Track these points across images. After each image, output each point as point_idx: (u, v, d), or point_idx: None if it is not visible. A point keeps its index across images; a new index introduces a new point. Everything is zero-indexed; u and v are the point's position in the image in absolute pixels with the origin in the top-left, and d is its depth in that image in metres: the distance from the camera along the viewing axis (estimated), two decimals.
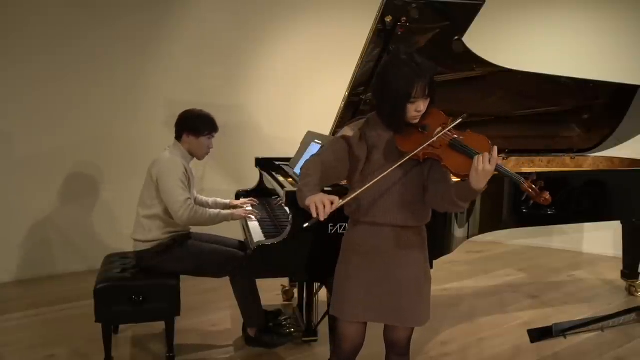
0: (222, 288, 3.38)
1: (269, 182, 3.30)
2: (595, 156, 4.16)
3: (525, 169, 4.05)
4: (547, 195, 1.68)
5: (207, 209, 2.83)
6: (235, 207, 3.15)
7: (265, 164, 3.52)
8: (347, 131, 1.91)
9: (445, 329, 3.34)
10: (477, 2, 2.61)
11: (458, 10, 2.69)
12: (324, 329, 2.77)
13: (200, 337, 3.19)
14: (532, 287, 4.17)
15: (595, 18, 5.01)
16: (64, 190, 4.29)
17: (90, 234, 4.38)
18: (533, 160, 4.13)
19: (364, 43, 2.68)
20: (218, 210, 2.92)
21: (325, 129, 3.25)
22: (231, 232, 3.25)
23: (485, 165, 1.63)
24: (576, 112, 3.87)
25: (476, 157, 1.66)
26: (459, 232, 2.83)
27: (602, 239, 4.99)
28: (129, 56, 4.38)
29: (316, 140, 3.04)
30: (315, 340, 3.02)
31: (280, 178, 3.13)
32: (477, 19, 2.73)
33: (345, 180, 1.94)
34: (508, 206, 3.23)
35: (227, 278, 2.88)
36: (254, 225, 2.86)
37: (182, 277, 2.84)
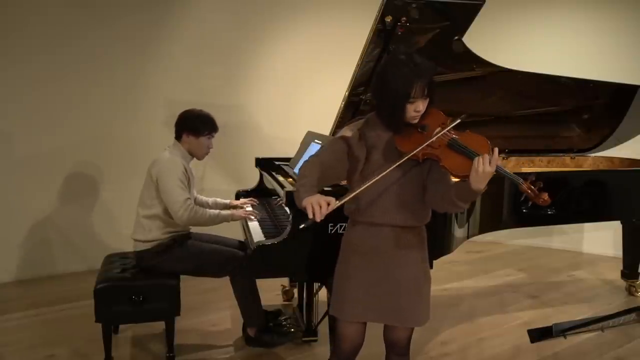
0: (222, 288, 3.38)
1: (269, 182, 3.30)
2: (595, 156, 4.16)
3: (525, 169, 4.05)
4: (545, 196, 1.68)
5: (207, 210, 2.83)
6: (235, 207, 3.15)
7: (265, 164, 3.52)
8: (346, 131, 1.91)
9: (445, 329, 3.34)
10: (477, 2, 2.61)
11: (458, 10, 2.69)
12: (324, 329, 2.77)
13: (200, 337, 3.19)
14: (532, 287, 4.17)
15: (595, 18, 5.01)
16: (64, 190, 4.29)
17: (90, 234, 4.38)
18: (533, 160, 4.13)
19: (364, 43, 2.68)
20: (218, 210, 2.92)
21: (325, 129, 3.25)
22: (231, 232, 3.25)
23: (485, 167, 1.63)
24: (576, 112, 3.87)
25: (476, 158, 1.66)
26: (459, 232, 2.83)
27: (602, 239, 4.99)
28: (129, 56, 4.38)
29: (316, 140, 3.03)
30: (315, 340, 3.02)
31: (280, 178, 3.13)
32: (477, 19, 2.73)
33: (345, 181, 1.94)
34: (508, 206, 3.23)
35: (227, 278, 2.88)
36: (254, 225, 2.86)
37: (182, 277, 2.85)
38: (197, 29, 4.65)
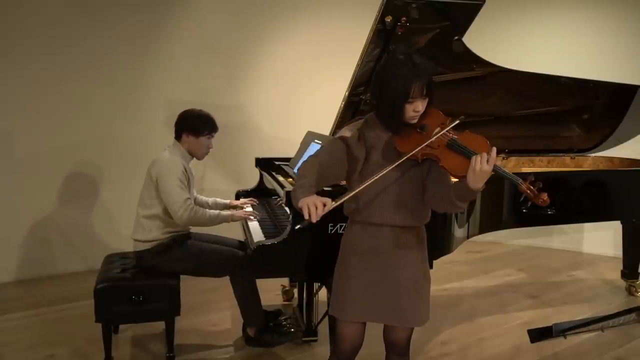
0: (222, 288, 3.38)
1: (269, 182, 3.30)
2: (595, 156, 4.16)
3: (525, 169, 4.05)
4: (545, 196, 1.68)
5: (207, 210, 2.83)
6: (235, 207, 3.15)
7: (265, 164, 3.52)
8: (346, 132, 1.91)
9: (445, 329, 3.34)
10: (477, 2, 2.61)
11: (458, 10, 2.69)
12: (324, 329, 2.77)
13: (200, 337, 3.19)
14: (532, 287, 4.17)
15: (595, 18, 5.01)
16: (63, 190, 4.29)
17: (90, 234, 4.38)
18: (533, 160, 4.13)
19: (364, 43, 2.68)
20: (218, 211, 2.92)
21: (325, 129, 3.25)
22: (231, 232, 3.25)
23: (482, 166, 1.63)
24: (576, 112, 3.87)
25: (474, 157, 1.66)
26: (459, 232, 2.83)
27: (602, 239, 4.99)
28: (129, 56, 4.38)
29: (316, 140, 3.03)
30: (315, 340, 3.02)
31: (280, 178, 3.13)
32: (477, 19, 2.73)
33: (345, 181, 1.94)
34: (508, 206, 3.23)
35: (227, 278, 2.88)
36: (254, 225, 2.86)
37: (182, 277, 2.85)
38: (197, 29, 4.65)
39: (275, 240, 2.40)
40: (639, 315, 1.85)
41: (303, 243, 2.39)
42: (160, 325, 2.90)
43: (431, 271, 2.05)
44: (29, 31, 4.03)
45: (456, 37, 2.89)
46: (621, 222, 3.86)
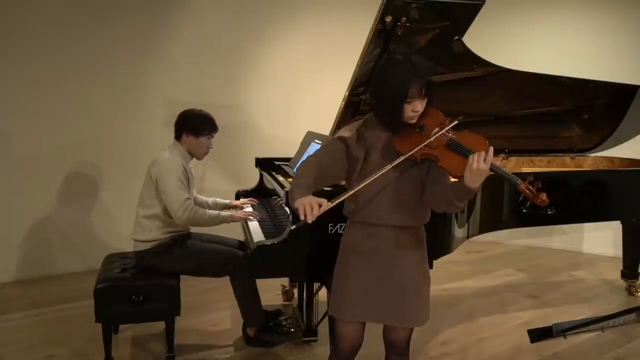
0: (222, 288, 3.38)
1: (269, 182, 3.30)
2: (595, 156, 4.16)
3: (525, 169, 4.05)
4: (544, 196, 1.68)
5: (207, 210, 2.83)
6: (235, 207, 3.15)
7: (265, 164, 3.52)
8: (345, 132, 1.91)
9: (445, 329, 3.34)
10: (477, 2, 2.61)
11: (458, 10, 2.69)
12: (324, 329, 2.77)
13: (200, 337, 3.19)
14: (532, 287, 4.17)
15: (595, 18, 5.01)
16: (63, 190, 4.29)
17: (90, 234, 4.38)
18: (533, 160, 4.13)
19: (364, 43, 2.68)
20: (218, 211, 2.92)
21: (325, 129, 3.25)
22: (231, 232, 3.25)
23: (479, 165, 1.63)
24: (576, 112, 3.87)
25: (471, 155, 1.66)
26: (459, 232, 2.83)
27: (602, 239, 4.99)
28: (129, 56, 4.38)
29: (316, 140, 3.03)
30: (315, 340, 3.02)
31: (280, 178, 3.13)
32: (477, 19, 2.73)
33: (345, 181, 1.94)
34: (508, 206, 3.23)
35: (227, 278, 2.88)
36: (254, 225, 2.86)
37: (182, 277, 2.85)
38: (197, 29, 4.65)
39: (275, 240, 2.40)
40: (639, 315, 1.85)
41: (303, 243, 2.39)
42: (160, 325, 2.90)
43: (431, 271, 2.05)
44: (29, 31, 4.03)
45: (456, 37, 2.89)
46: (621, 222, 3.86)
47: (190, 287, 3.27)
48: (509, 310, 3.71)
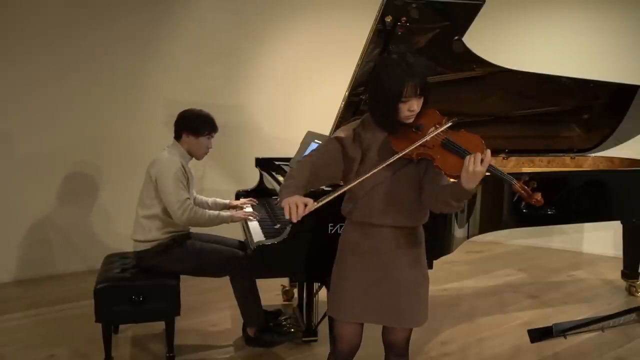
0: (222, 288, 3.38)
1: (269, 182, 3.30)
2: (595, 156, 4.16)
3: (525, 169, 4.05)
4: (539, 196, 1.67)
5: (207, 210, 2.83)
6: (234, 207, 3.15)
7: (265, 164, 3.53)
8: (341, 132, 1.91)
9: (445, 329, 3.34)
10: (477, 2, 2.61)
11: (458, 10, 2.69)
12: (324, 329, 2.76)
13: (200, 337, 3.19)
14: (532, 287, 4.17)
15: (595, 18, 5.01)
16: (63, 190, 4.28)
17: (90, 234, 4.38)
18: (533, 160, 4.13)
19: (364, 43, 2.68)
20: (217, 211, 2.92)
21: (325, 129, 3.24)
22: (231, 232, 3.25)
23: (476, 167, 1.62)
24: (576, 112, 3.87)
25: (467, 157, 1.65)
26: (459, 232, 2.83)
27: (602, 239, 4.99)
28: (129, 56, 4.38)
29: (316, 140, 3.04)
30: (315, 340, 3.02)
31: (280, 178, 3.13)
32: (477, 19, 2.72)
33: (342, 181, 1.94)
34: (508, 206, 3.22)
35: (227, 278, 2.88)
36: (254, 225, 2.86)
37: (182, 277, 2.85)
38: (197, 29, 4.65)
39: (275, 240, 2.40)
40: (639, 315, 1.85)
41: (303, 243, 2.39)
42: (160, 325, 2.90)
43: (431, 271, 2.05)
44: (29, 31, 4.03)
45: (456, 37, 2.89)
46: (621, 222, 3.86)
47: (190, 287, 3.27)
48: (509, 310, 3.71)
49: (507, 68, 3.27)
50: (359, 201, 1.87)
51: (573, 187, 3.41)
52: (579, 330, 1.88)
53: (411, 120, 1.80)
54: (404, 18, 2.59)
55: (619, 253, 4.04)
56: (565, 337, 1.86)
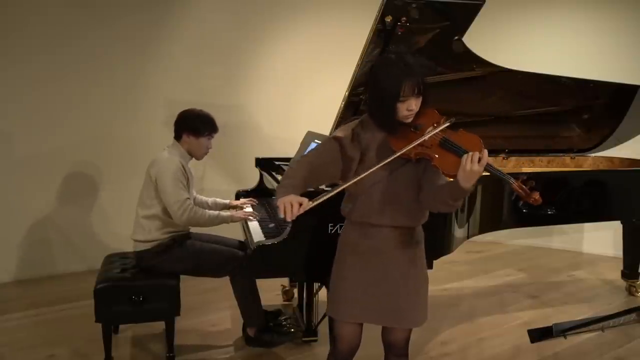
0: (222, 288, 3.37)
1: (269, 182, 3.30)
2: (595, 156, 4.16)
3: (525, 169, 4.05)
4: (537, 195, 1.67)
5: (207, 210, 2.83)
6: (234, 207, 3.15)
7: (265, 164, 3.53)
8: (339, 132, 1.91)
9: (445, 329, 3.34)
10: (477, 2, 2.61)
11: (458, 10, 2.69)
12: (324, 329, 2.76)
13: (200, 337, 3.19)
14: (532, 287, 4.17)
15: (595, 18, 5.01)
16: (63, 190, 4.28)
17: (90, 234, 4.38)
18: (533, 160, 4.13)
19: (364, 43, 2.68)
20: (217, 211, 2.92)
21: (325, 129, 3.24)
22: (231, 232, 3.25)
23: (473, 166, 1.62)
24: (576, 112, 3.87)
25: (464, 156, 1.65)
26: (459, 232, 2.83)
27: (602, 239, 4.99)
28: (129, 56, 4.38)
29: (316, 140, 3.03)
30: (315, 340, 3.02)
31: (280, 178, 3.12)
32: (477, 19, 2.73)
33: (342, 181, 1.94)
34: (508, 206, 3.23)
35: (227, 278, 2.88)
36: (254, 225, 2.86)
37: (182, 277, 2.85)
38: (197, 29, 4.65)
39: (275, 240, 2.40)
40: (639, 315, 1.85)
41: (303, 243, 2.39)
42: (160, 325, 2.90)
43: (431, 271, 2.06)
44: (29, 31, 4.03)
45: (456, 37, 2.89)
46: (621, 222, 3.86)
47: (190, 287, 3.27)
48: (509, 310, 3.71)
49: (507, 68, 3.27)
50: (358, 201, 1.87)
51: (573, 187, 3.41)
52: (579, 330, 1.88)
53: (410, 120, 1.80)
54: (404, 18, 2.59)
55: (619, 253, 4.04)
56: (565, 337, 1.86)
